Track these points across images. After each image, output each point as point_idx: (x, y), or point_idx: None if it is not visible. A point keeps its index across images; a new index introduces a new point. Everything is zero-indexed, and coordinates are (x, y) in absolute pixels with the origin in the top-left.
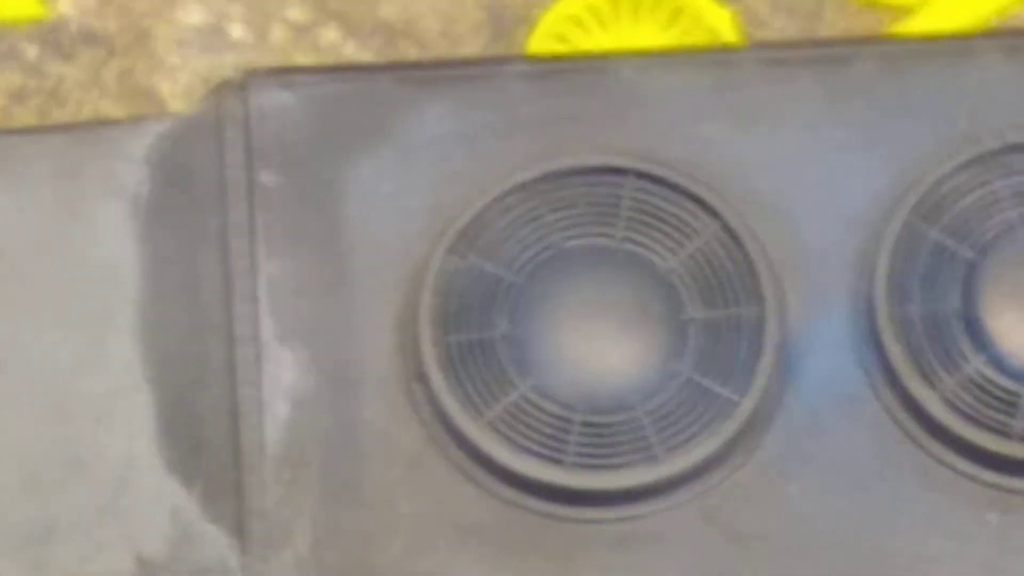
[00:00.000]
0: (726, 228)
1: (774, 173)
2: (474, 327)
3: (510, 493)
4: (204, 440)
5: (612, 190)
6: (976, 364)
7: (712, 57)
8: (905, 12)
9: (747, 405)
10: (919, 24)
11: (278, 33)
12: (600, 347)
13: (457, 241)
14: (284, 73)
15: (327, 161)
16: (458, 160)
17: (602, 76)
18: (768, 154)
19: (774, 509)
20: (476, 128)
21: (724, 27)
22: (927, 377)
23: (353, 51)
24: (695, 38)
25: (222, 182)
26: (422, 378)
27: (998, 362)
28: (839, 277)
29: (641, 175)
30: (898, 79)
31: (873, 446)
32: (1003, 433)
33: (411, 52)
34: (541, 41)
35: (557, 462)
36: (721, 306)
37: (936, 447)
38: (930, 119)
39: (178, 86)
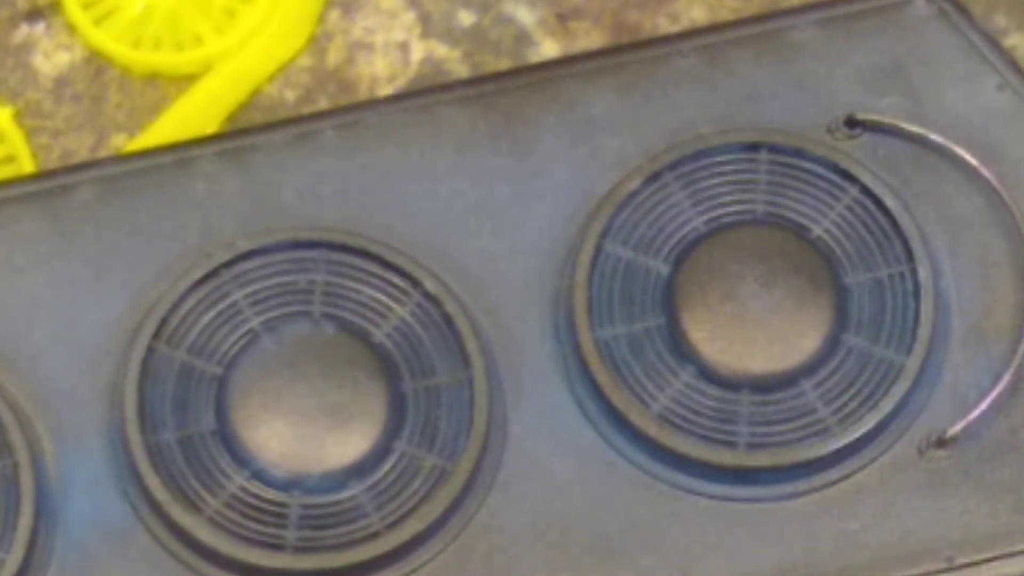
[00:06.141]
0: None
1: (12, 317)
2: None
3: None
4: None
5: None
6: (239, 481)
7: None
8: (189, 81)
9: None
10: (150, 137)
11: None
12: None
13: None
14: None
15: None
16: None
17: None
18: (3, 299)
19: None
20: None
21: (7, 126)
22: (191, 502)
23: None
24: None
25: None
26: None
27: (262, 476)
28: (92, 413)
29: None
30: (122, 201)
31: None
32: (277, 547)
33: None
34: None
35: None
36: None
37: (213, 571)
38: (161, 238)
39: None
